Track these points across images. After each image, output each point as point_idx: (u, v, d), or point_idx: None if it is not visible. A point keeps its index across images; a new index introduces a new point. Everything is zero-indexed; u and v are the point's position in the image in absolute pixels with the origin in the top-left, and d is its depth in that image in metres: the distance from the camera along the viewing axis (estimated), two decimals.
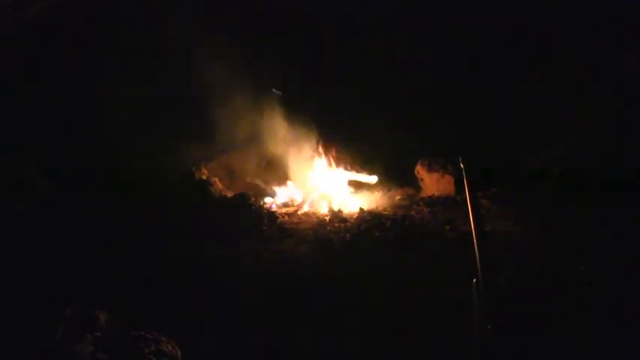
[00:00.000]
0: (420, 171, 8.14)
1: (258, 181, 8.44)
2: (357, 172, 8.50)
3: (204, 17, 7.67)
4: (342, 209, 7.40)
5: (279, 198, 8.18)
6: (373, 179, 8.38)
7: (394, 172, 8.43)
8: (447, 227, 6.28)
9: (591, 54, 6.99)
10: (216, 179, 8.04)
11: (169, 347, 3.32)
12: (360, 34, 8.62)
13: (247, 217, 6.85)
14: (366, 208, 7.38)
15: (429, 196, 7.66)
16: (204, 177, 7.91)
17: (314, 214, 7.44)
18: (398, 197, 7.95)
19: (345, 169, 8.52)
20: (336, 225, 6.77)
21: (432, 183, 7.93)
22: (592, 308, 3.50)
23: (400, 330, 4.00)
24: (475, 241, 2.57)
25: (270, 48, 7.85)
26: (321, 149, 8.50)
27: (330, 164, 8.46)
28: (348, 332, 4.02)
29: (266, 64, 8.00)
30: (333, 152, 8.55)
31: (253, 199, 7.32)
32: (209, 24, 7.56)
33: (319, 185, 8.13)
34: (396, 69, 8.59)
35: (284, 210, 7.65)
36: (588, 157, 6.17)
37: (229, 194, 7.77)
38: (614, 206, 5.31)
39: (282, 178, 8.52)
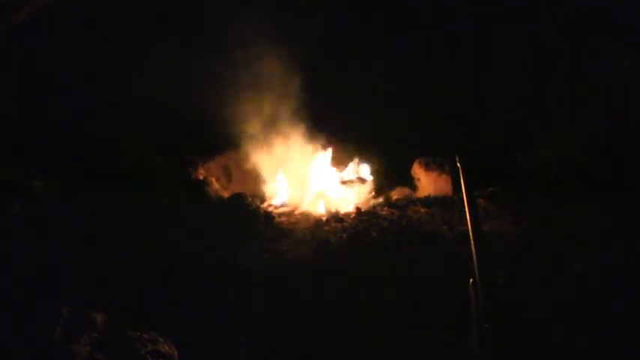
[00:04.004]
0: (417, 171, 8.15)
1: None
2: (355, 171, 8.50)
3: (207, 15, 7.68)
4: (338, 209, 7.40)
5: (277, 198, 8.16)
6: (369, 179, 8.38)
7: (391, 171, 8.43)
8: (444, 227, 6.29)
9: (591, 55, 7.00)
10: (213, 179, 8.03)
11: (166, 347, 3.32)
12: (360, 33, 8.61)
13: (244, 217, 6.85)
14: (362, 208, 7.38)
15: (425, 196, 7.67)
16: (201, 177, 7.90)
17: (311, 214, 7.43)
18: (395, 197, 7.95)
19: (343, 168, 8.52)
20: (333, 225, 6.77)
21: (429, 183, 7.94)
22: (590, 308, 3.51)
23: (398, 329, 4.00)
24: (472, 241, 2.57)
25: (270, 48, 7.84)
26: (322, 148, 8.50)
27: (329, 163, 8.46)
28: (347, 331, 4.02)
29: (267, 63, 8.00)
30: (333, 151, 8.55)
31: (250, 199, 7.31)
32: (210, 21, 7.57)
33: (317, 185, 8.13)
34: (395, 69, 8.59)
35: (281, 209, 7.65)
36: (586, 157, 6.18)
37: (226, 194, 7.76)
38: (612, 206, 5.32)
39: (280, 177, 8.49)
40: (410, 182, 8.29)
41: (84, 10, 7.59)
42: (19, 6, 5.79)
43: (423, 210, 7.04)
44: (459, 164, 2.91)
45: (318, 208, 7.65)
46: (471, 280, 2.49)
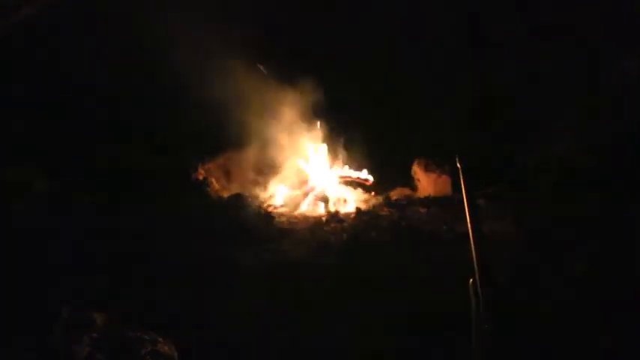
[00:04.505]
0: (417, 171, 8.14)
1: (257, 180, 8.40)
2: (354, 171, 8.50)
3: (207, 14, 7.67)
4: (338, 210, 7.40)
5: (277, 198, 8.15)
6: (370, 179, 8.37)
7: (391, 172, 8.42)
8: (444, 228, 6.29)
9: (592, 53, 7.00)
10: (213, 179, 8.03)
11: (166, 348, 3.32)
12: (360, 32, 8.61)
13: (244, 217, 6.84)
14: (362, 208, 7.38)
15: (425, 197, 7.66)
16: (200, 177, 7.90)
17: (311, 214, 7.43)
18: (395, 197, 7.95)
19: (343, 168, 8.51)
20: (333, 225, 6.77)
21: (429, 183, 7.93)
22: (591, 308, 3.50)
23: (398, 329, 4.00)
24: (472, 241, 2.57)
25: (271, 48, 7.85)
26: (324, 148, 8.50)
27: (329, 163, 8.46)
28: (347, 332, 4.02)
29: (267, 63, 8.00)
30: (333, 152, 8.55)
31: (250, 199, 7.31)
32: (210, 20, 7.57)
33: (317, 185, 8.13)
34: (394, 68, 8.58)
35: (281, 210, 7.64)
36: (586, 157, 6.16)
37: (226, 194, 7.76)
38: (613, 206, 5.31)
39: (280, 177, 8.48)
40: (410, 183, 8.28)
41: (84, 10, 7.59)
42: (19, 6, 5.80)
43: (422, 210, 7.05)
44: (458, 164, 2.91)
45: (318, 208, 7.65)
46: (471, 280, 2.50)
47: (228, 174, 8.61)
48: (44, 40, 7.64)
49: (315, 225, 6.86)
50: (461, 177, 2.89)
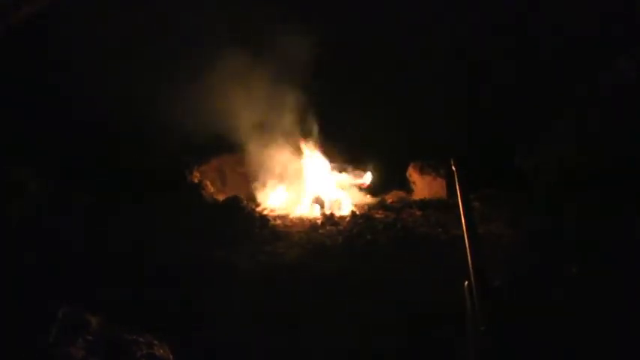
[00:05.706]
0: (412, 174, 8.16)
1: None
2: (350, 174, 8.50)
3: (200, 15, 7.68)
4: (334, 212, 7.40)
5: (272, 201, 8.15)
6: (367, 179, 8.37)
7: (386, 175, 8.43)
8: (439, 230, 6.30)
9: (589, 54, 7.02)
10: (208, 182, 8.02)
11: (161, 351, 3.31)
12: (357, 33, 8.62)
13: (239, 220, 6.84)
14: (358, 211, 7.38)
15: (421, 199, 7.68)
16: (196, 180, 7.89)
17: (306, 217, 7.43)
18: (390, 200, 7.96)
19: (338, 171, 8.52)
20: (329, 228, 6.77)
21: (424, 186, 7.95)
22: (588, 309, 3.51)
23: (395, 331, 4.00)
24: (467, 243, 2.58)
25: (267, 48, 7.84)
26: (315, 150, 8.50)
27: (323, 166, 8.46)
28: (342, 334, 4.03)
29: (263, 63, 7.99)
30: (327, 153, 8.54)
31: (245, 202, 7.30)
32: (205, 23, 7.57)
33: (312, 188, 8.13)
34: (390, 70, 8.60)
35: (276, 213, 7.63)
36: (584, 158, 6.18)
37: (221, 197, 7.75)
38: (609, 207, 5.32)
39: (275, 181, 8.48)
40: (405, 185, 8.29)
41: (85, 11, 7.57)
42: (19, 6, 5.76)
43: (418, 213, 7.06)
44: (454, 168, 2.92)
45: (313, 211, 7.65)
46: (466, 282, 2.50)
47: (223, 177, 8.61)
48: (44, 41, 7.61)
49: (310, 228, 6.87)
50: (456, 180, 2.90)
